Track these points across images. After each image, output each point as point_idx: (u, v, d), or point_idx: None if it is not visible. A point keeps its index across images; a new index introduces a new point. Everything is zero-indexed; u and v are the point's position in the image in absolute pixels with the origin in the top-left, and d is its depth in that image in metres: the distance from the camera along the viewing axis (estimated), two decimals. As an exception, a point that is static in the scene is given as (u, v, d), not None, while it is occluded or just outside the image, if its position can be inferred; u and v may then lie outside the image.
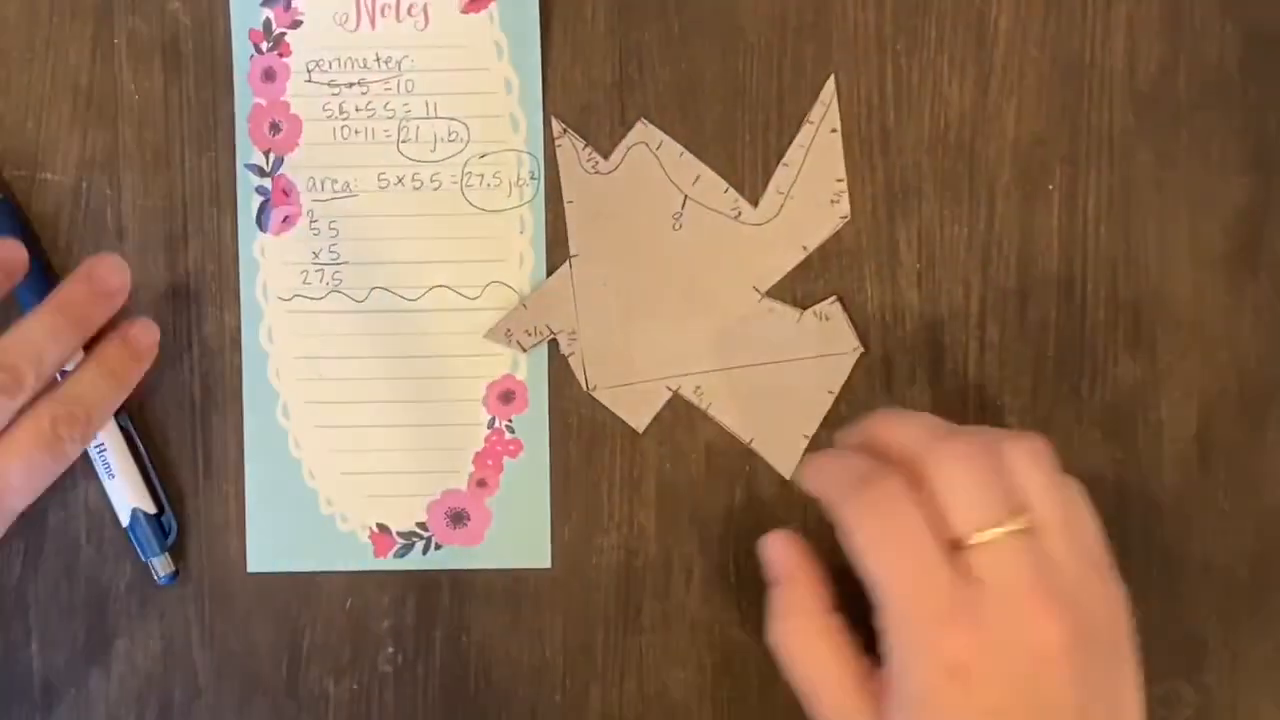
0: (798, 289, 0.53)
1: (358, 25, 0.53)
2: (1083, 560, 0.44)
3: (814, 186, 0.53)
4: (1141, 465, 0.53)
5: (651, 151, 0.53)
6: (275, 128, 0.53)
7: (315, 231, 0.53)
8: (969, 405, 0.52)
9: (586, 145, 0.53)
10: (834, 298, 0.53)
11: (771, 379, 0.53)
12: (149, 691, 0.53)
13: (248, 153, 0.53)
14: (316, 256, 0.53)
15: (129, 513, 0.52)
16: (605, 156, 0.53)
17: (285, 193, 0.53)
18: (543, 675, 0.53)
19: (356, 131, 0.53)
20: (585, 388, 0.53)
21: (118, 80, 0.54)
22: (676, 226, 0.53)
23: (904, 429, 0.45)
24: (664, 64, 0.53)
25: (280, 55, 0.53)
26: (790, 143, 0.53)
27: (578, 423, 0.53)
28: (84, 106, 0.54)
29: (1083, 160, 0.53)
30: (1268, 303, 0.53)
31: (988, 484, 0.43)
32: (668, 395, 0.53)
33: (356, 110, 0.53)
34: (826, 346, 0.53)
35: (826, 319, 0.53)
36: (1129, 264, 0.53)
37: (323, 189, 0.53)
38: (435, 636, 0.53)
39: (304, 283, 0.53)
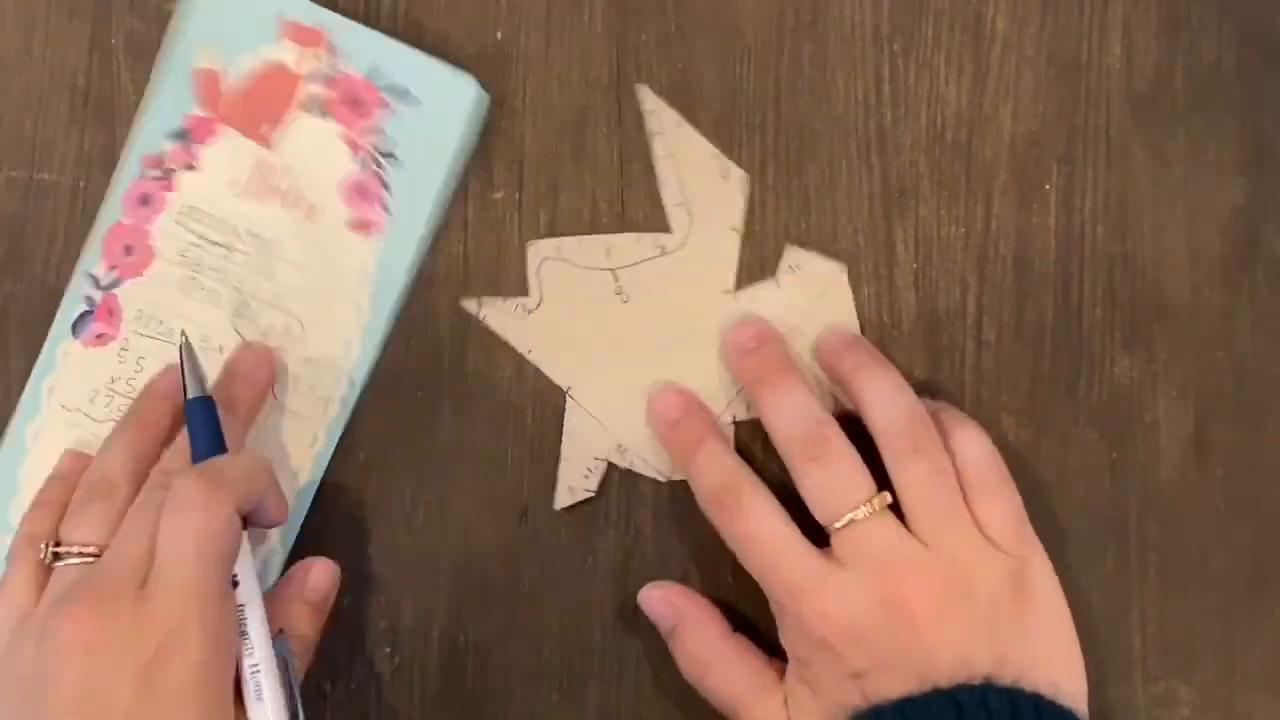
0: (795, 289, 0.53)
1: (246, 195, 0.52)
2: (953, 535, 0.47)
3: (698, 183, 0.53)
4: (1138, 465, 0.53)
5: (558, 260, 0.53)
6: (129, 250, 0.52)
7: (122, 360, 0.52)
8: (966, 405, 0.52)
9: (505, 299, 0.53)
10: (791, 246, 0.53)
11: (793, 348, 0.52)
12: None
13: (94, 262, 0.52)
14: (113, 383, 0.52)
15: None
16: (526, 292, 0.53)
17: (110, 312, 0.52)
18: (541, 675, 0.53)
19: (202, 289, 0.52)
20: (663, 481, 0.53)
21: (115, 80, 0.54)
22: (624, 300, 0.53)
23: (783, 418, 0.49)
24: (662, 64, 0.53)
25: (164, 189, 0.52)
26: (787, 143, 0.53)
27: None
28: (81, 106, 0.54)
29: (1080, 160, 0.53)
30: (1264, 302, 0.53)
31: (838, 476, 0.48)
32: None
33: (211, 269, 0.52)
34: (816, 290, 0.53)
35: (797, 268, 0.53)
36: (1126, 264, 0.53)
37: (147, 325, 0.52)
38: (432, 636, 0.53)
39: (90, 402, 0.52)
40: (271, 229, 0.52)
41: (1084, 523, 0.52)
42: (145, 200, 0.52)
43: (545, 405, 0.53)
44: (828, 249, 0.53)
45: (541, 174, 0.53)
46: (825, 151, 0.53)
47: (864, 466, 0.48)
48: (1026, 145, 0.53)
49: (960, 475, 0.48)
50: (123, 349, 0.52)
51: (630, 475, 0.53)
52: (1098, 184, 0.53)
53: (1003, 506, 0.48)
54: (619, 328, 0.53)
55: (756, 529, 0.48)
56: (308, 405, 0.52)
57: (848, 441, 0.48)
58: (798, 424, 0.49)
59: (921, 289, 0.53)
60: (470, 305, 0.53)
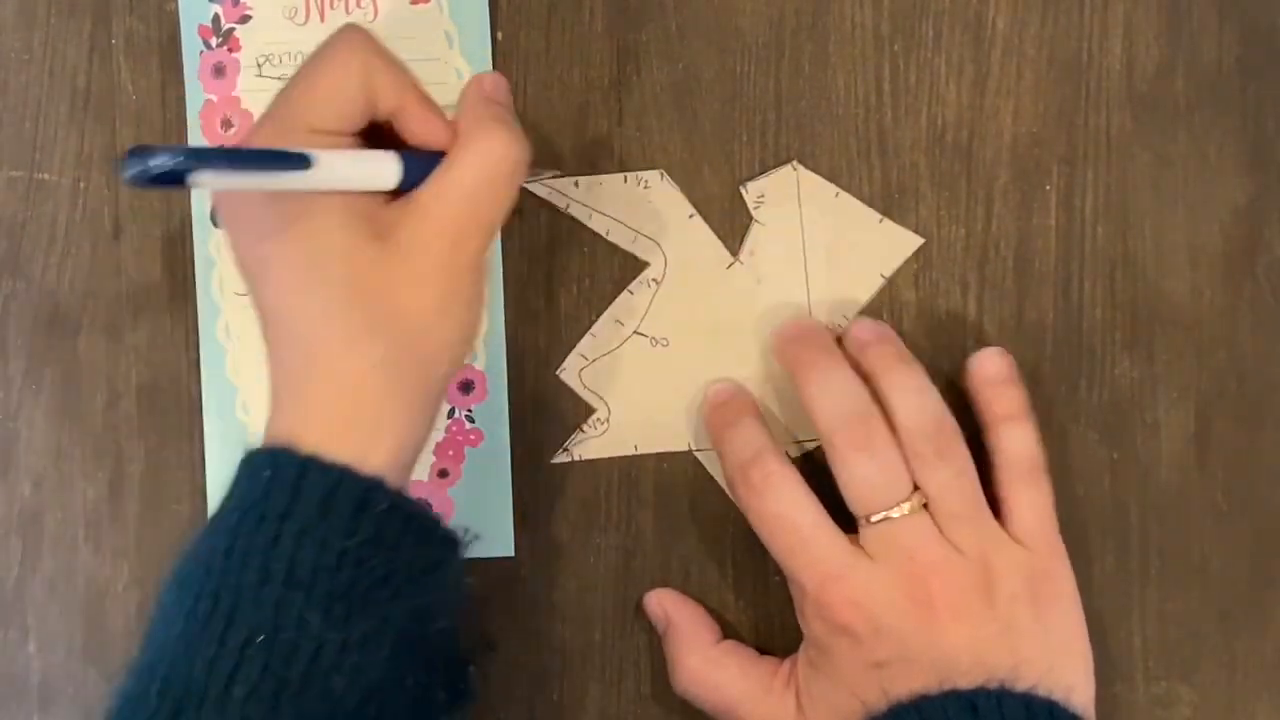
0: (795, 289, 0.53)
1: (307, 19, 0.53)
2: (978, 538, 0.47)
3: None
4: (1139, 465, 0.53)
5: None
6: (227, 123, 0.53)
7: None
8: (967, 407, 0.52)
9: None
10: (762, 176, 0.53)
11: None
12: (147, 691, 0.53)
13: None
14: None
15: None
16: None
17: None
18: (541, 675, 0.53)
19: None
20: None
21: (115, 80, 0.54)
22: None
23: (829, 400, 0.49)
24: (662, 64, 0.53)
25: (230, 50, 0.53)
26: (787, 143, 0.53)
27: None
28: (81, 106, 0.54)
29: (1080, 160, 0.53)
30: (1265, 303, 0.53)
31: (883, 472, 0.47)
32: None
33: None
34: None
35: (762, 199, 0.53)
36: (1126, 264, 0.53)
37: None
38: (433, 636, 0.53)
39: None
40: None
41: (1084, 523, 0.52)
42: (219, 70, 0.53)
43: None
44: (828, 249, 0.53)
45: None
46: (825, 151, 0.53)
47: (905, 463, 0.48)
48: (1027, 146, 0.53)
49: (998, 462, 0.49)
50: None
51: (631, 475, 0.53)
52: (1098, 184, 0.53)
53: (1033, 500, 0.48)
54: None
55: (786, 511, 0.48)
56: None
57: (891, 435, 0.48)
58: (844, 411, 0.48)
59: (922, 289, 0.53)
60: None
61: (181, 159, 0.39)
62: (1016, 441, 0.49)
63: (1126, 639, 0.52)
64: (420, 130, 0.45)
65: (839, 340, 0.51)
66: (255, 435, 0.52)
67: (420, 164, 0.44)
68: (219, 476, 0.53)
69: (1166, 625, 0.52)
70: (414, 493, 0.44)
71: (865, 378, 0.50)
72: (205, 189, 0.40)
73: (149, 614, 0.43)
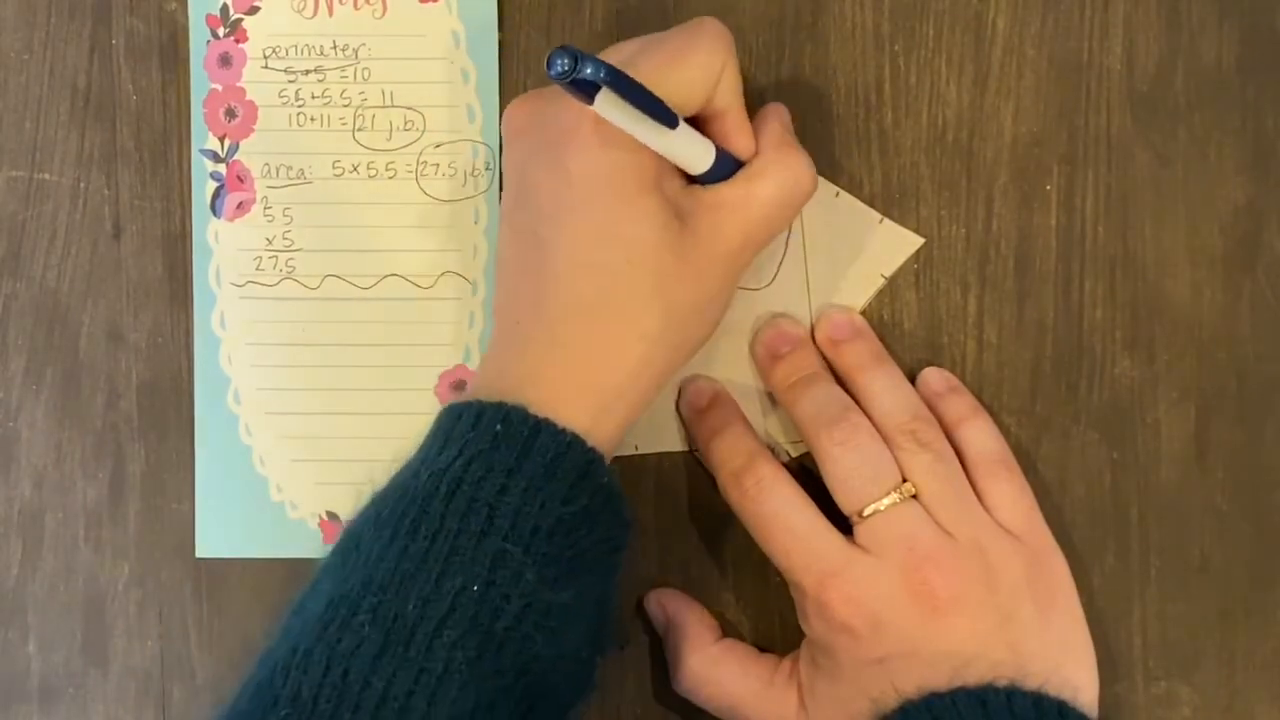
0: (795, 289, 0.53)
1: (315, 12, 0.53)
2: (969, 521, 0.47)
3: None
4: (1139, 465, 0.53)
5: None
6: (231, 113, 0.53)
7: (269, 218, 0.53)
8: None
9: None
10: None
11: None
12: (147, 691, 0.53)
13: (203, 138, 0.53)
14: (270, 243, 0.53)
15: None
16: None
17: (240, 179, 0.53)
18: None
19: (312, 119, 0.53)
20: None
21: (115, 80, 0.54)
22: None
23: (805, 402, 0.50)
24: (662, 64, 0.53)
25: (237, 41, 0.53)
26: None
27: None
28: (82, 106, 0.54)
29: (1080, 160, 0.53)
30: (1265, 302, 0.53)
31: (868, 463, 0.48)
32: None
33: (313, 97, 0.53)
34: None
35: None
36: (1127, 264, 0.53)
37: (277, 175, 0.53)
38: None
39: (257, 269, 0.53)
40: (353, 35, 0.53)
41: (1085, 523, 0.52)
42: (225, 60, 0.53)
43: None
44: (828, 249, 0.53)
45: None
46: (825, 152, 0.53)
47: (890, 453, 0.48)
48: (1027, 145, 0.53)
49: (967, 462, 0.49)
50: (266, 208, 0.53)
51: (631, 475, 0.53)
52: (1098, 184, 0.53)
53: (1006, 490, 0.49)
54: None
55: (779, 512, 0.48)
56: (454, 187, 0.53)
57: (873, 428, 0.49)
58: (823, 408, 0.49)
59: (922, 289, 0.53)
60: None
61: (604, 74, 0.41)
62: (976, 439, 0.50)
63: (1126, 639, 0.52)
64: (734, 135, 0.47)
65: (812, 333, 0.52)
66: (245, 427, 0.52)
67: (721, 163, 0.47)
68: (207, 466, 0.53)
69: (1166, 625, 0.52)
70: (355, 511, 0.45)
71: (839, 373, 0.51)
72: (600, 109, 0.42)
73: (341, 540, 0.45)
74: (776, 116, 0.49)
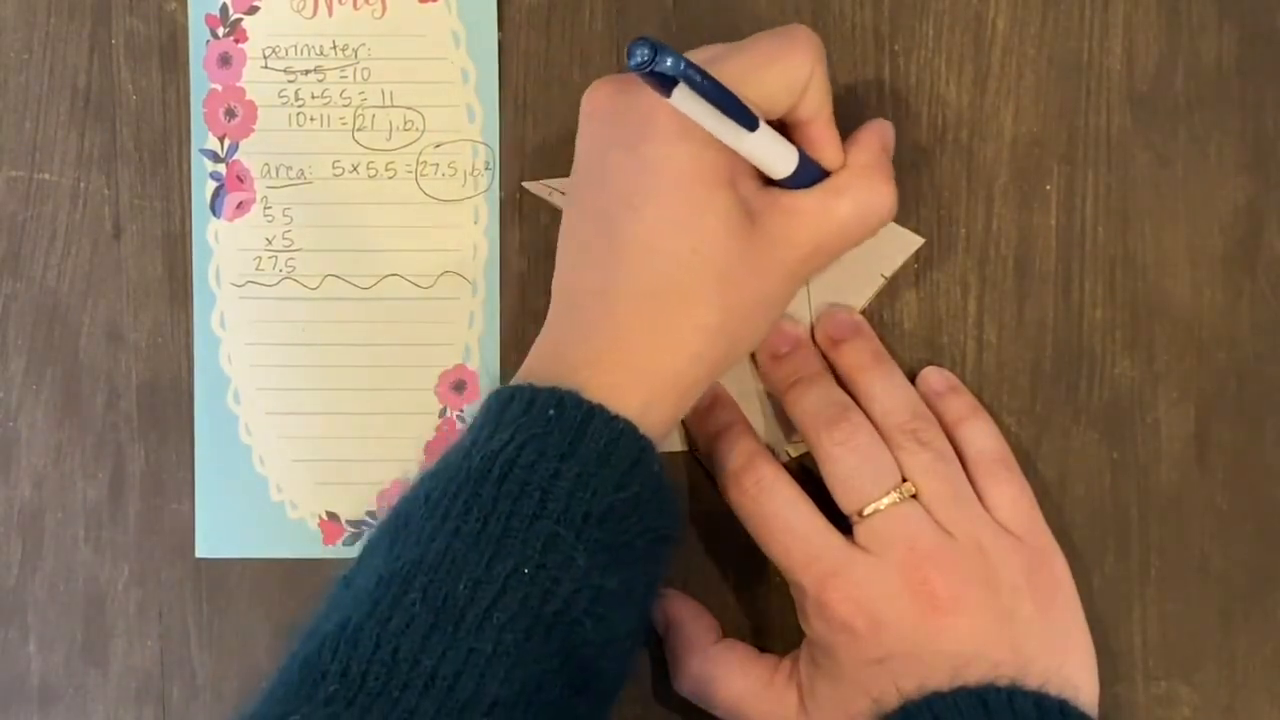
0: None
1: (315, 12, 0.53)
2: (969, 520, 0.47)
3: None
4: (1139, 465, 0.53)
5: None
6: (231, 113, 0.53)
7: (269, 218, 0.53)
8: (966, 405, 0.52)
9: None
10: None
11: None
12: (147, 691, 0.53)
13: (203, 138, 0.53)
14: (270, 243, 0.53)
15: None
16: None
17: (240, 179, 0.53)
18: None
19: (312, 118, 0.53)
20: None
21: (115, 80, 0.54)
22: None
23: (806, 402, 0.50)
24: (662, 64, 0.53)
25: (236, 41, 0.53)
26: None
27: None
28: (82, 106, 0.54)
29: (1080, 160, 0.53)
30: (1265, 302, 0.53)
31: (868, 462, 0.48)
32: None
33: (313, 97, 0.53)
34: None
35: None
36: (1127, 264, 0.53)
37: (277, 175, 0.53)
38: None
39: (257, 269, 0.53)
40: (353, 35, 0.53)
41: (1084, 523, 0.52)
42: (225, 60, 0.53)
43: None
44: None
45: (541, 173, 0.53)
46: (826, 151, 0.53)
47: (890, 453, 0.48)
48: (1027, 146, 0.53)
49: (967, 462, 0.49)
50: (265, 208, 0.53)
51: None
52: (1098, 184, 0.53)
53: (1006, 490, 0.49)
54: None
55: (779, 512, 0.48)
56: (454, 187, 0.53)
57: (873, 428, 0.49)
58: (823, 408, 0.49)
59: (922, 289, 0.53)
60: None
61: (682, 68, 0.41)
62: (976, 438, 0.50)
63: (1126, 639, 0.52)
64: (819, 144, 0.47)
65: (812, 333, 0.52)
66: (245, 427, 0.52)
67: (806, 170, 0.47)
68: (207, 466, 0.53)
69: (1166, 625, 0.52)
70: (403, 491, 0.45)
71: (839, 372, 0.51)
72: (677, 103, 0.42)
73: (389, 519, 0.45)
74: (878, 135, 0.49)
